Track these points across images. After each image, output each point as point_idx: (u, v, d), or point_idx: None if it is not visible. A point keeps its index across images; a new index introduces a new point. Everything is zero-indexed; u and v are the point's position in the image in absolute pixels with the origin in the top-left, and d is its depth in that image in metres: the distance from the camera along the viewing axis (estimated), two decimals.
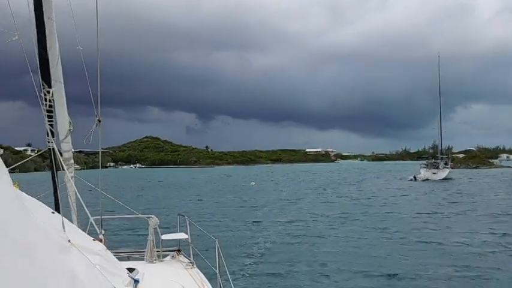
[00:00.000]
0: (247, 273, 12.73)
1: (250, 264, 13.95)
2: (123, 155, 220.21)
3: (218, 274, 5.30)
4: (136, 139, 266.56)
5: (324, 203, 33.50)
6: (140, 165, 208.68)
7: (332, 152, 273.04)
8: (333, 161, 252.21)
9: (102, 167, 6.39)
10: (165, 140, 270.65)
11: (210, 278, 5.73)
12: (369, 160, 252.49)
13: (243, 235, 19.60)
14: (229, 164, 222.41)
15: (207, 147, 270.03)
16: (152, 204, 34.03)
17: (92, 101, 5.61)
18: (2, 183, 2.41)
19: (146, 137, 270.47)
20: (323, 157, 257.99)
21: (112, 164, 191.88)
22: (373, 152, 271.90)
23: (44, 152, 5.58)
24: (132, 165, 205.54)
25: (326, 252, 15.93)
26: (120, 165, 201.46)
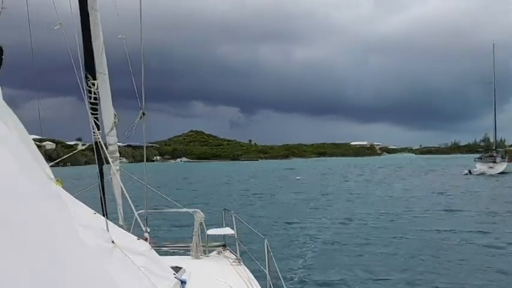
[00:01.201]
0: (298, 277, 11.85)
1: (300, 267, 12.97)
2: (168, 149, 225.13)
3: (268, 274, 5.07)
4: (182, 133, 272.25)
5: (379, 199, 31.77)
6: (186, 159, 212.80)
7: (377, 145, 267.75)
8: (379, 154, 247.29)
9: (148, 161, 6.31)
10: (209, 134, 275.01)
11: (257, 276, 5.52)
12: (416, 153, 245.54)
13: (291, 233, 18.62)
14: (273, 157, 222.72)
15: (250, 140, 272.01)
16: (197, 198, 34.29)
17: (135, 93, 5.50)
18: (42, 181, 2.27)
19: (191, 131, 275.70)
20: (368, 150, 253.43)
21: (158, 157, 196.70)
22: (420, 145, 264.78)
23: (90, 145, 5.53)
24: (177, 159, 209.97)
25: (390, 255, 14.29)
26: (166, 159, 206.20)
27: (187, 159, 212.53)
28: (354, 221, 21.64)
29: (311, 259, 14.04)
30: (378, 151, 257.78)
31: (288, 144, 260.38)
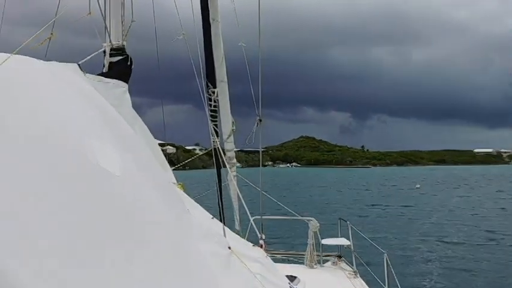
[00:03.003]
0: None
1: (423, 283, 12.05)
2: (280, 154, 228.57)
3: None
4: (293, 138, 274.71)
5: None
6: (296, 164, 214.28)
7: (505, 152, 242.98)
8: (506, 162, 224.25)
9: (258, 166, 6.38)
10: (320, 140, 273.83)
11: None
12: None
13: (413, 248, 17.12)
14: (387, 164, 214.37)
15: (362, 147, 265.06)
16: (309, 205, 33.75)
17: (253, 100, 5.57)
18: (166, 185, 2.33)
19: (302, 137, 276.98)
20: (494, 158, 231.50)
21: (270, 162, 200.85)
22: None
23: (209, 151, 5.72)
24: (288, 164, 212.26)
25: None
26: (277, 164, 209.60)
27: (298, 165, 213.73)
28: (492, 239, 19.18)
29: (438, 281, 12.70)
30: (506, 159, 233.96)
31: (403, 151, 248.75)
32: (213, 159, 5.38)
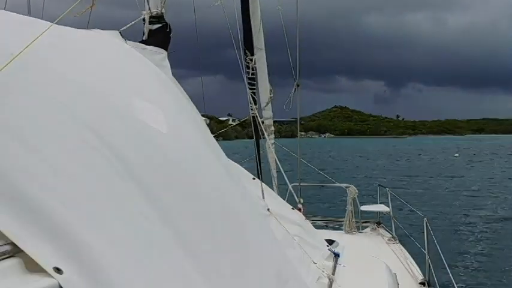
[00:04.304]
0: (462, 264, 10.77)
1: (465, 254, 11.75)
2: (313, 125, 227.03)
3: (427, 254, 4.73)
4: (326, 108, 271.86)
5: None
6: (330, 135, 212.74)
7: None
8: None
9: (293, 137, 6.36)
10: (353, 110, 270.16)
11: (414, 257, 5.21)
12: None
13: (452, 219, 16.70)
14: (423, 134, 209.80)
15: (397, 116, 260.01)
16: (347, 174, 33.24)
17: (288, 67, 5.51)
18: (216, 150, 2.38)
19: (335, 107, 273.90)
20: None
21: (302, 133, 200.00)
22: None
23: (245, 120, 5.74)
24: (321, 135, 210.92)
25: None
26: (311, 134, 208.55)
27: (332, 135, 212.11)
28: None
29: (477, 248, 12.52)
30: None
31: (439, 120, 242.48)
32: (252, 127, 5.41)
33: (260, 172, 5.53)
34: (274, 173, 6.26)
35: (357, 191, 6.27)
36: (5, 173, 1.21)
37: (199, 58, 5.22)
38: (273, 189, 6.27)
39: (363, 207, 6.46)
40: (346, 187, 6.35)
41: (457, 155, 57.52)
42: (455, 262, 10.61)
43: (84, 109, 1.62)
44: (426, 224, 4.91)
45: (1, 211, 1.12)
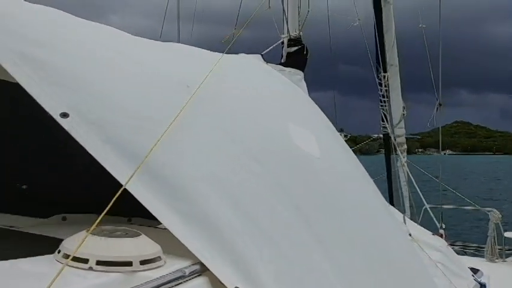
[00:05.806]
0: None
1: None
2: (431, 141, 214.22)
3: None
4: (446, 124, 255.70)
5: None
6: (450, 152, 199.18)
7: None
8: None
9: (409, 153, 6.07)
10: (477, 125, 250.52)
11: None
12: None
13: None
14: None
15: None
16: (483, 195, 30.21)
17: (432, 83, 5.33)
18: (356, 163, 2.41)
19: (456, 122, 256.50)
20: None
21: (420, 149, 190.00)
22: None
23: (377, 138, 5.66)
24: (442, 152, 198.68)
25: None
26: (428, 151, 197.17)
27: (452, 152, 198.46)
28: None
29: None
30: None
31: None
32: (384, 145, 5.30)
33: (391, 191, 5.37)
34: (406, 192, 6.04)
35: (500, 216, 5.78)
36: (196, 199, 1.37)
37: (333, 77, 5.30)
38: (403, 211, 6.05)
39: (507, 234, 5.93)
40: (489, 211, 5.89)
41: None
42: None
43: (251, 140, 1.73)
44: None
45: (194, 237, 1.29)
